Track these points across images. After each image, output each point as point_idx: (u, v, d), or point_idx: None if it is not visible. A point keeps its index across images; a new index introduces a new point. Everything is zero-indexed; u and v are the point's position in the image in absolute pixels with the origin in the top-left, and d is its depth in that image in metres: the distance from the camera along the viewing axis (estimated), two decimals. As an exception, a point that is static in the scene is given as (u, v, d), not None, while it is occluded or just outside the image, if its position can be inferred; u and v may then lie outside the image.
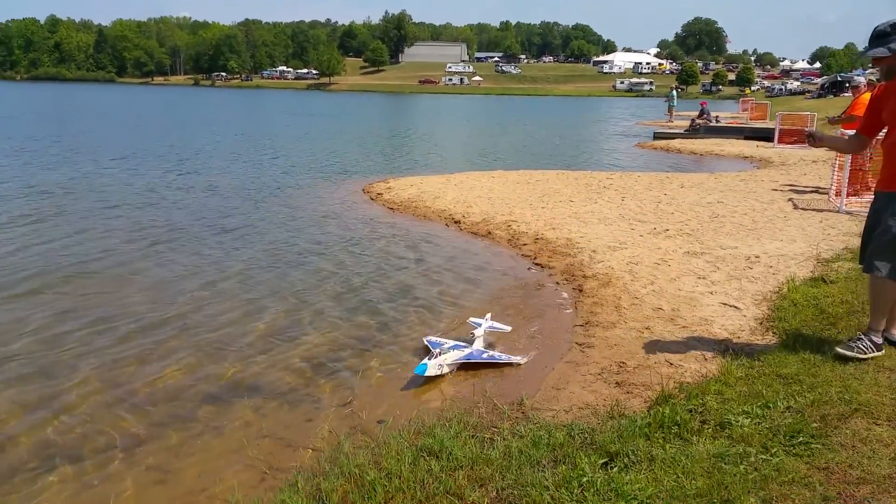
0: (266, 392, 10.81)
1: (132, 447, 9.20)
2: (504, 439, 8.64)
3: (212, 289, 15.79)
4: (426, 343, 11.19)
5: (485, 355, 10.59)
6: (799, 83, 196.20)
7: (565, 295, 15.19)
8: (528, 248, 19.35)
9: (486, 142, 60.25)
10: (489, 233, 21.54)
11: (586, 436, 8.40)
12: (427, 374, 9.93)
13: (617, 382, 10.22)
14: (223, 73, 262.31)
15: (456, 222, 23.30)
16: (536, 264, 17.92)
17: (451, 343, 10.93)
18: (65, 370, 11.27)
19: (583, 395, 9.88)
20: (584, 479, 7.12)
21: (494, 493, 7.50)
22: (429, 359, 10.14)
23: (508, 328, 11.72)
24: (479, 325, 11.52)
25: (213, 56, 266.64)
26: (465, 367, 10.81)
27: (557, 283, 16.16)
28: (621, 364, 10.85)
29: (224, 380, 11.24)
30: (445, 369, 10.26)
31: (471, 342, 10.98)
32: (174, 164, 36.23)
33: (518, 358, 10.63)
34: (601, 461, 7.54)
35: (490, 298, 15.17)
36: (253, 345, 12.58)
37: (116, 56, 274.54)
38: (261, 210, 25.33)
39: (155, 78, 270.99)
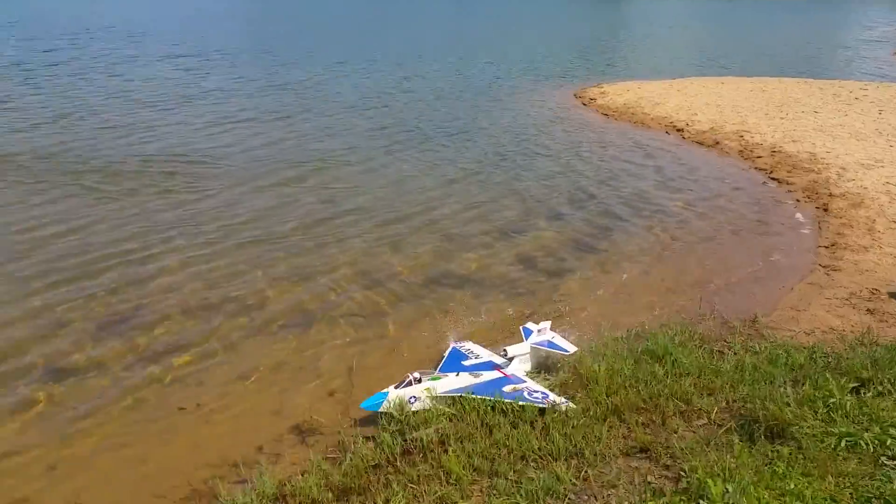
0: (491, 283, 11.30)
1: (376, 317, 10.17)
2: (735, 354, 8.29)
3: (450, 186, 16.48)
4: (450, 350, 8.67)
5: (507, 388, 7.60)
6: None
7: (806, 213, 13.85)
8: (762, 162, 17.73)
9: (712, 46, 55.12)
10: (717, 143, 20.00)
11: (830, 360, 7.78)
12: (381, 410, 7.43)
13: (868, 309, 9.26)
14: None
15: (678, 130, 21.90)
16: (772, 179, 16.42)
17: (485, 357, 8.40)
18: (328, 249, 12.46)
19: (827, 319, 9.09)
20: (832, 401, 6.63)
21: (724, 404, 7.27)
22: (397, 386, 7.53)
23: (571, 349, 8.41)
24: (530, 333, 8.67)
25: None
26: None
27: (797, 200, 14.73)
28: (874, 291, 9.77)
29: (456, 269, 11.86)
30: (422, 403, 7.51)
31: (509, 360, 8.30)
32: (396, 67, 37.47)
33: (560, 399, 7.40)
34: (850, 385, 6.97)
35: (720, 212, 14.31)
36: (490, 240, 13.05)
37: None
38: (483, 112, 25.61)
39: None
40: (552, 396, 7.44)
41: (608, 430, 6.88)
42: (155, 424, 7.66)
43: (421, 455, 6.76)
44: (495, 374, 7.96)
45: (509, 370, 8.07)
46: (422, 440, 6.98)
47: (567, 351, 8.33)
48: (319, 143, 20.20)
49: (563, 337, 8.81)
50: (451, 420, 7.30)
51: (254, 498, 6.17)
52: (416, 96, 28.76)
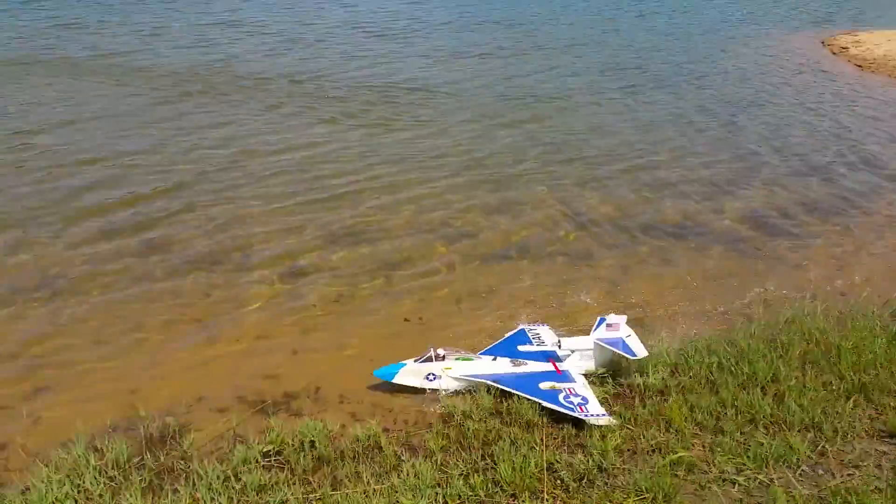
0: (715, 237, 10.66)
1: (589, 258, 10.05)
2: None
3: (699, 136, 15.50)
4: (516, 331, 7.87)
5: (545, 385, 6.77)
6: None
7: None
8: None
9: None
10: None
11: None
12: (393, 381, 6.95)
13: None
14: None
15: (954, 90, 18.79)
16: None
17: (548, 344, 7.45)
18: (546, 189, 12.34)
19: None
20: None
21: None
22: (417, 360, 7.02)
23: (641, 353, 6.97)
24: (600, 324, 7.35)
25: None
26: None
27: None
28: None
29: (679, 219, 11.35)
30: (441, 383, 6.96)
31: (570, 352, 7.27)
32: (634, 3, 35.13)
33: (599, 411, 6.35)
34: None
35: None
36: (719, 192, 12.29)
37: None
38: (721, 57, 23.64)
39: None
40: (592, 406, 6.40)
41: (852, 408, 6.27)
42: (383, 330, 8.24)
43: (639, 399, 6.65)
44: (543, 367, 7.09)
45: (566, 365, 7.14)
46: (639, 385, 6.87)
47: (635, 355, 6.93)
48: (549, 82, 19.90)
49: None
50: (672, 372, 7.08)
51: (474, 408, 6.46)
52: (652, 37, 27.22)
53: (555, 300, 8.90)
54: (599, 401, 6.53)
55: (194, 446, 6.01)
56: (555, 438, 6.08)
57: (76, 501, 5.29)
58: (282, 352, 7.72)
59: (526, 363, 7.09)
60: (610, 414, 6.29)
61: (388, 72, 20.04)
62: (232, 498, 5.27)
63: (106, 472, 5.59)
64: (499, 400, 6.63)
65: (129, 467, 5.68)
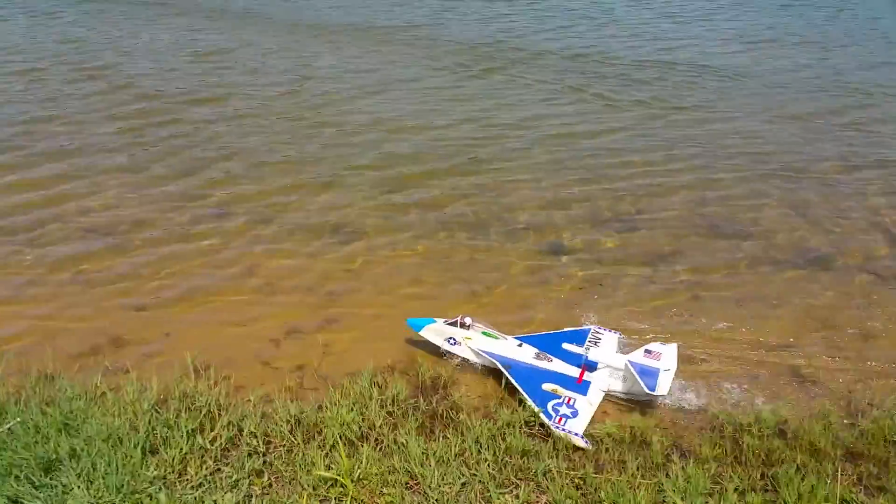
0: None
1: (884, 274, 8.89)
2: None
3: None
4: (579, 328, 7.52)
5: (547, 386, 6.50)
6: None
7: None
8: None
9: None
10: None
11: None
12: (420, 333, 7.21)
13: None
14: None
15: None
16: None
17: (596, 355, 6.86)
18: (869, 199, 10.99)
19: None
20: None
21: None
22: (446, 322, 7.11)
23: (662, 392, 6.32)
24: (646, 350, 6.88)
25: None
26: None
27: None
28: None
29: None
30: (460, 350, 7.03)
31: (599, 361, 6.79)
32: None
33: (576, 431, 5.92)
34: None
35: None
36: None
37: None
38: None
39: None
40: (575, 423, 6.01)
41: None
42: (635, 319, 7.94)
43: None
44: (566, 370, 6.74)
45: (591, 376, 6.69)
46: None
47: (653, 391, 6.26)
48: (861, 74, 17.49)
49: None
50: None
51: (753, 422, 5.95)
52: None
53: (835, 319, 7.93)
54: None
55: (463, 399, 6.30)
56: (850, 475, 5.35)
57: (360, 427, 5.81)
58: (545, 327, 7.71)
59: (551, 360, 6.87)
60: (586, 440, 5.89)
61: (672, 53, 19.10)
62: (497, 456, 5.45)
63: (386, 406, 6.08)
64: (782, 419, 6.01)
65: (406, 406, 6.12)
